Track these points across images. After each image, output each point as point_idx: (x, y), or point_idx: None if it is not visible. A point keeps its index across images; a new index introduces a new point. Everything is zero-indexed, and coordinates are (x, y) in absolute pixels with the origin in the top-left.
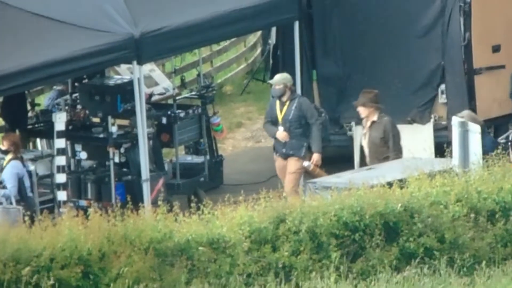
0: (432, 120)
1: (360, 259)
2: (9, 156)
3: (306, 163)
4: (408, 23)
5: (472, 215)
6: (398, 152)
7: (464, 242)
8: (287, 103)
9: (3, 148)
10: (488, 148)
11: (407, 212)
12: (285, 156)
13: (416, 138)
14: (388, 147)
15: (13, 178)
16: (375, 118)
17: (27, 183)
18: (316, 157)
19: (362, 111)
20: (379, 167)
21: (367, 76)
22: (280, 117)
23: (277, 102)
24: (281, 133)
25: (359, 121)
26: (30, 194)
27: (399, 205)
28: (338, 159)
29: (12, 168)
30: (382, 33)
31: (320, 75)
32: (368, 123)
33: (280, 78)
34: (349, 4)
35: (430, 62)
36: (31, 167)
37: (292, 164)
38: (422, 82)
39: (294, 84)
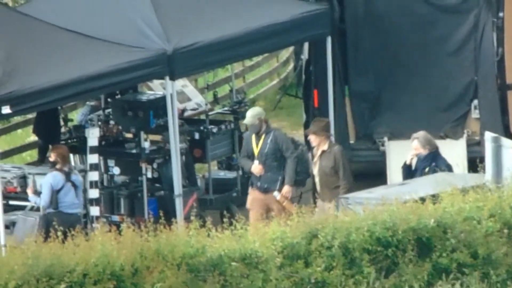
0: (465, 135)
1: (393, 275)
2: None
3: (275, 193)
4: (441, 39)
5: (506, 231)
6: (348, 181)
7: (498, 258)
8: (263, 136)
9: (51, 159)
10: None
11: (440, 227)
12: (262, 190)
13: (449, 154)
14: (338, 176)
15: (46, 187)
16: (325, 147)
17: (68, 198)
18: (286, 189)
19: (313, 139)
20: (412, 182)
21: (399, 91)
22: (256, 151)
23: (253, 136)
24: (256, 167)
25: (392, 137)
26: (74, 211)
27: (432, 220)
28: (371, 174)
29: (48, 178)
30: (415, 48)
31: (353, 90)
32: (319, 152)
33: (252, 115)
34: (382, 19)
35: (463, 77)
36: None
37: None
38: (455, 97)
39: (326, 99)
